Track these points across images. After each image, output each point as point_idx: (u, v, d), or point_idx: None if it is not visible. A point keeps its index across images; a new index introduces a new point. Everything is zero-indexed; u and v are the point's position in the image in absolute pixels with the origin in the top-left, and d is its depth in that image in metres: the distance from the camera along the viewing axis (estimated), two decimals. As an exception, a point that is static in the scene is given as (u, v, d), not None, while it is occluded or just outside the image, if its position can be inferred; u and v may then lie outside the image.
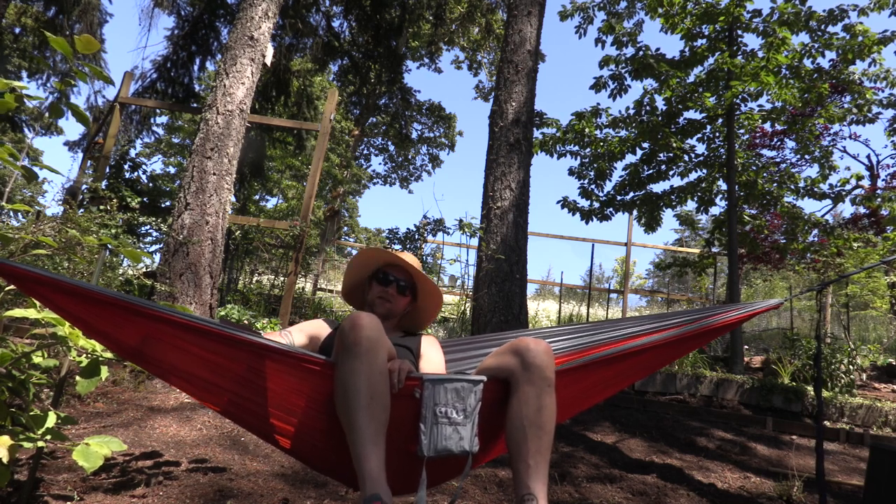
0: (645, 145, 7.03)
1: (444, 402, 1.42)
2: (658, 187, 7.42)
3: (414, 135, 19.01)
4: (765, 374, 5.37)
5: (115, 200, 5.25)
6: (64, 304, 1.35)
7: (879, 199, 7.33)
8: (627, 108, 6.94)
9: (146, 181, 6.87)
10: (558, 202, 7.36)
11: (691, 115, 6.88)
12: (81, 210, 5.24)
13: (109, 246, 2.10)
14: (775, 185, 7.14)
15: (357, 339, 1.35)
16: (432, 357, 1.83)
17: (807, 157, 7.70)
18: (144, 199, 6.39)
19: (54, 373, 2.43)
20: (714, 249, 7.85)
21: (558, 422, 1.54)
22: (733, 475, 3.05)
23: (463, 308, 6.09)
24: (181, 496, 2.05)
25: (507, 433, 1.45)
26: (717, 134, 6.92)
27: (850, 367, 5.09)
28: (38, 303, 1.72)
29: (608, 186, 7.38)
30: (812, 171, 7.79)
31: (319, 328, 1.86)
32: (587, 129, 7.04)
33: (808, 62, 6.24)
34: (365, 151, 20.32)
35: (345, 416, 1.33)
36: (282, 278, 6.59)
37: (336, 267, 10.25)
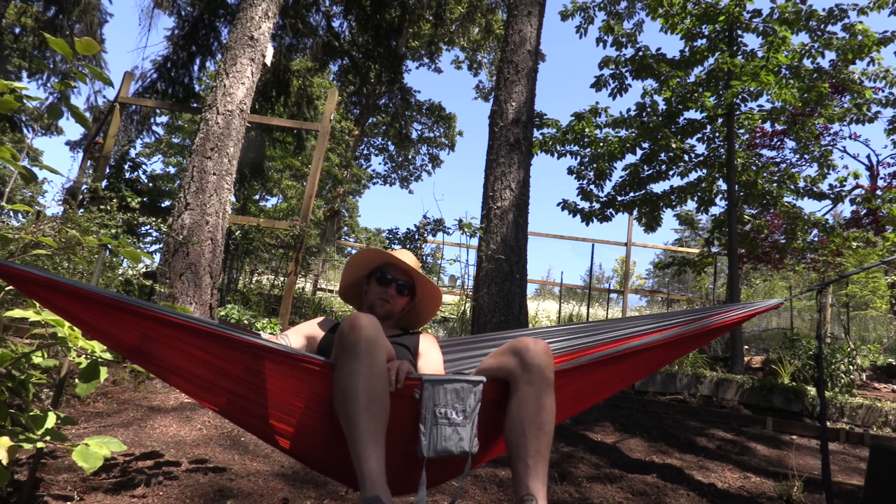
0: (645, 145, 7.03)
1: (443, 402, 1.42)
2: (658, 187, 7.43)
3: (414, 135, 19.03)
4: (765, 374, 5.37)
5: (115, 200, 5.25)
6: (63, 304, 1.35)
7: (879, 200, 7.33)
8: (629, 110, 6.94)
9: (146, 181, 6.87)
10: (558, 204, 7.35)
11: (691, 115, 6.88)
12: (81, 210, 5.24)
13: (109, 246, 2.10)
14: (775, 184, 7.14)
15: (356, 340, 1.35)
16: (431, 356, 1.83)
17: (806, 156, 7.70)
18: (144, 199, 6.39)
19: (54, 373, 2.43)
20: (714, 249, 7.85)
21: (558, 422, 1.54)
22: (733, 475, 3.05)
23: (463, 308, 6.09)
24: (181, 496, 2.05)
25: (507, 433, 1.45)
26: (717, 134, 6.92)
27: (850, 367, 5.09)
28: (37, 303, 1.72)
29: (608, 186, 7.38)
30: (812, 171, 7.79)
31: (316, 328, 1.87)
32: (587, 129, 7.04)
33: (807, 62, 6.24)
34: (365, 151, 20.34)
35: (344, 417, 1.33)
36: (282, 278, 6.59)
37: (336, 267, 10.25)
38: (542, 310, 10.01)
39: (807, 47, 6.14)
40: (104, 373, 1.79)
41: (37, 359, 1.86)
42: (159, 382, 3.65)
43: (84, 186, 5.81)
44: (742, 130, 7.30)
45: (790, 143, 8.40)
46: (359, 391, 1.31)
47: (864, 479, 2.57)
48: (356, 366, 1.33)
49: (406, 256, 1.91)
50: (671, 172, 7.20)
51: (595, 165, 7.27)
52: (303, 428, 1.49)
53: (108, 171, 6.09)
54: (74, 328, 1.72)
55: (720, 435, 3.89)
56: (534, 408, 1.42)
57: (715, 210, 7.51)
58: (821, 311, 7.73)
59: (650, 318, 1.94)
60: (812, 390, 4.64)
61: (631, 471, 2.93)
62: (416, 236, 5.72)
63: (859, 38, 5.99)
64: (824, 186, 7.25)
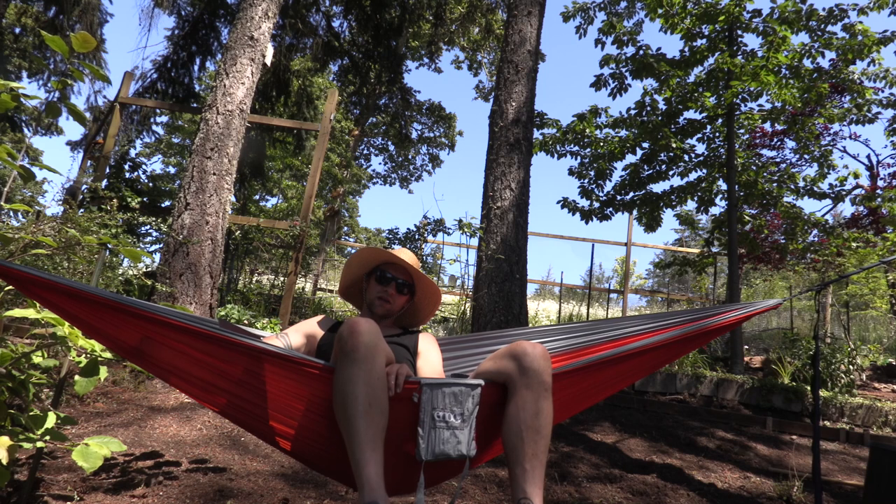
0: (645, 145, 7.03)
1: (442, 406, 1.42)
2: (658, 187, 7.43)
3: (414, 135, 19.01)
4: (765, 374, 5.37)
5: (115, 200, 5.25)
6: (63, 304, 1.36)
7: (879, 199, 7.33)
8: (629, 109, 6.94)
9: (146, 181, 6.87)
10: (558, 202, 7.36)
11: (691, 115, 6.88)
12: (81, 210, 5.24)
13: (109, 246, 2.10)
14: (775, 184, 7.14)
15: (355, 345, 1.35)
16: (430, 356, 1.83)
17: (806, 156, 7.70)
18: (144, 199, 6.39)
19: (54, 373, 2.43)
20: (714, 249, 7.85)
21: (557, 421, 1.54)
22: (733, 475, 3.05)
23: (463, 308, 6.09)
24: (181, 496, 2.05)
25: (504, 437, 1.45)
26: (717, 134, 6.92)
27: (850, 367, 5.08)
28: (37, 303, 1.72)
29: (608, 186, 7.38)
30: (812, 171, 7.81)
31: (316, 327, 1.87)
32: (587, 130, 7.05)
33: (807, 62, 6.24)
34: (365, 151, 20.32)
35: (343, 421, 1.33)
36: (282, 278, 6.59)
37: (336, 267, 10.25)
38: (542, 310, 10.02)
39: (807, 47, 6.14)
40: (104, 372, 1.79)
41: (37, 359, 1.86)
42: (159, 382, 3.65)
43: (84, 186, 5.81)
44: (742, 130, 7.30)
45: (790, 143, 8.39)
46: (358, 396, 1.32)
47: (864, 479, 2.57)
48: (355, 371, 1.34)
49: (406, 255, 1.91)
50: (671, 172, 7.20)
51: (595, 165, 7.27)
52: (303, 430, 1.49)
53: (108, 171, 6.09)
54: (74, 328, 1.72)
55: (720, 435, 3.89)
56: (531, 412, 1.42)
57: (715, 210, 7.51)
58: (820, 311, 7.73)
59: (649, 317, 1.94)
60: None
61: (631, 471, 2.93)
62: (416, 236, 5.72)
63: (859, 38, 5.98)
64: (824, 186, 7.26)
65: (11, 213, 5.54)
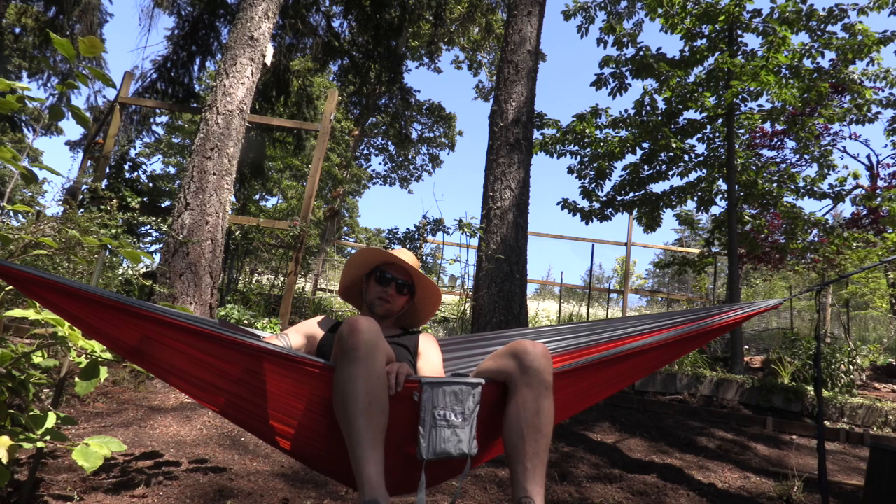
0: (645, 145, 7.03)
1: (442, 404, 1.42)
2: (658, 187, 7.43)
3: (414, 135, 19.01)
4: (765, 374, 5.37)
5: (115, 200, 5.25)
6: (63, 304, 1.36)
7: (879, 199, 7.33)
8: (627, 110, 6.95)
9: (146, 181, 6.87)
10: (558, 203, 7.36)
11: (691, 114, 6.88)
12: (81, 210, 5.24)
13: (109, 246, 2.10)
14: (775, 184, 7.14)
15: (355, 344, 1.35)
16: (430, 356, 1.83)
17: (806, 156, 7.70)
18: (144, 199, 6.39)
19: (54, 373, 2.43)
20: (714, 249, 7.85)
21: (558, 421, 1.54)
22: (733, 475, 3.05)
23: (463, 308, 6.09)
24: (181, 496, 2.05)
25: (505, 436, 1.44)
26: (717, 134, 6.92)
27: (850, 367, 5.09)
28: (37, 303, 1.72)
29: (608, 186, 7.39)
30: (812, 171, 7.81)
31: (316, 327, 1.87)
32: (587, 130, 7.05)
33: (807, 62, 6.24)
34: (365, 151, 20.32)
35: (343, 420, 1.33)
36: (282, 278, 6.59)
37: (336, 267, 10.25)
38: (542, 310, 10.02)
39: (807, 47, 6.14)
40: (104, 372, 1.79)
41: (37, 359, 1.86)
42: (159, 382, 3.65)
43: (84, 186, 5.81)
44: (742, 130, 7.30)
45: (790, 143, 8.40)
46: (358, 395, 1.32)
47: (864, 479, 2.57)
48: (355, 370, 1.34)
49: (406, 256, 1.91)
50: (671, 172, 7.20)
51: (595, 165, 7.27)
52: (303, 429, 1.49)
53: (108, 171, 6.09)
54: (74, 328, 1.72)
55: (720, 435, 3.89)
56: (532, 410, 1.42)
57: (715, 210, 7.51)
58: (820, 311, 7.74)
59: (649, 317, 1.94)
60: (812, 390, 4.64)
61: (631, 471, 2.93)
62: (416, 236, 5.72)
63: (859, 38, 5.99)
64: (824, 186, 7.26)
65: (12, 213, 5.54)
